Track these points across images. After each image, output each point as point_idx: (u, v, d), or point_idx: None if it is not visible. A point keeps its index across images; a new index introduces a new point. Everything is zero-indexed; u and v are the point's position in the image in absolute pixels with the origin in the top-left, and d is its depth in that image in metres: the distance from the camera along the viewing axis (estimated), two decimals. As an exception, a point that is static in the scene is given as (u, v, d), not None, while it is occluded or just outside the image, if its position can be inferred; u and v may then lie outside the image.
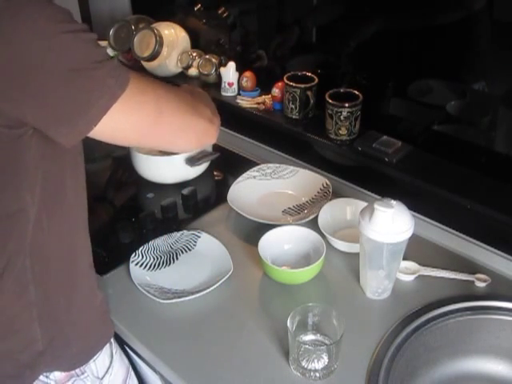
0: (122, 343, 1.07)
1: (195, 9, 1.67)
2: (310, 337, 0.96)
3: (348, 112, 1.25)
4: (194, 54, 1.63)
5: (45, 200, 0.81)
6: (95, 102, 0.70)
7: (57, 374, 0.92)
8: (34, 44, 0.66)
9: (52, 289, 0.88)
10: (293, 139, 1.41)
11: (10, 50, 0.65)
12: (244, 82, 1.52)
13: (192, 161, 1.34)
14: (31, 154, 0.75)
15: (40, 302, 0.87)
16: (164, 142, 0.83)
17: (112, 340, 1.02)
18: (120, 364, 1.04)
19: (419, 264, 1.12)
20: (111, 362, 1.00)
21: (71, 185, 0.85)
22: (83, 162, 0.87)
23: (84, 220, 0.93)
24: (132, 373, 1.07)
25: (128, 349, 1.09)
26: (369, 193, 1.30)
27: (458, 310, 1.02)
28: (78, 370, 0.95)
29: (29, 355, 0.88)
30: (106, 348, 0.99)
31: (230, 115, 1.54)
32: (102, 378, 0.98)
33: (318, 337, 0.96)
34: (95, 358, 0.97)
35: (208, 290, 1.06)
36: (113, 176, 1.55)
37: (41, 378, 0.91)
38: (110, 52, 1.75)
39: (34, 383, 0.90)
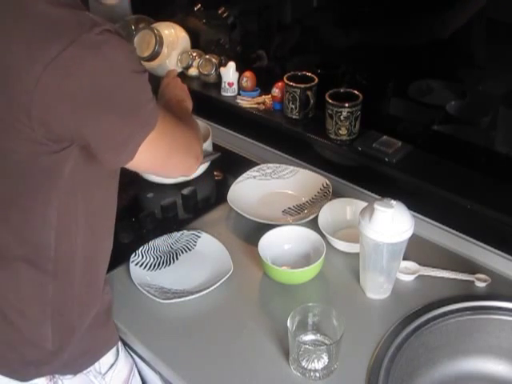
0: (122, 343, 1.07)
1: (195, 9, 1.67)
2: (310, 337, 0.96)
3: (348, 112, 1.25)
4: (194, 54, 1.63)
5: (72, 210, 0.85)
6: (134, 137, 0.78)
7: None
8: (108, 79, 0.73)
9: (69, 293, 0.90)
10: (293, 139, 1.41)
11: (86, 80, 0.71)
12: (244, 82, 1.52)
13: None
14: (68, 165, 0.80)
15: (56, 303, 0.89)
16: (160, 173, 0.96)
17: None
18: (125, 362, 1.04)
19: (419, 264, 1.12)
20: (116, 360, 1.01)
21: (101, 196, 0.90)
22: (118, 174, 0.92)
23: (110, 232, 0.96)
24: (136, 371, 1.08)
25: (128, 349, 1.09)
26: (369, 193, 1.30)
27: (458, 310, 1.02)
28: None
29: (37, 353, 0.90)
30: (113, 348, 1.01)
31: (230, 115, 1.55)
32: (105, 373, 0.99)
33: (318, 337, 0.96)
34: None
35: (208, 290, 1.06)
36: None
37: None
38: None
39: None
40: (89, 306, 0.94)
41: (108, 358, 0.99)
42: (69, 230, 0.86)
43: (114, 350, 1.01)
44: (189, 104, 1.21)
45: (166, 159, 0.88)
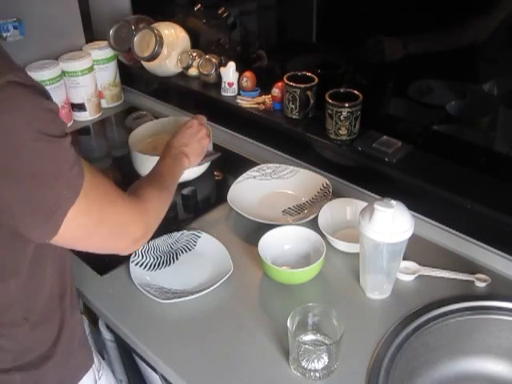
0: (122, 343, 1.07)
1: (195, 9, 1.67)
2: (310, 337, 0.96)
3: (348, 112, 1.25)
4: (194, 54, 1.63)
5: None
6: (54, 213, 0.70)
7: None
8: (6, 146, 0.65)
9: (23, 338, 0.86)
10: (293, 139, 1.42)
11: None
12: (244, 82, 1.52)
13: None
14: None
15: (14, 350, 0.85)
16: (83, 249, 0.84)
17: (96, 364, 1.00)
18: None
19: (419, 264, 1.12)
20: None
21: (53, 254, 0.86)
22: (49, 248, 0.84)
23: (67, 264, 0.92)
24: None
25: (128, 349, 1.09)
26: (369, 193, 1.30)
27: (458, 310, 1.02)
28: None
29: None
30: (89, 373, 0.97)
31: (230, 115, 1.55)
32: None
33: (318, 337, 0.96)
34: None
35: (208, 290, 1.06)
36: (113, 176, 1.55)
37: None
38: (110, 52, 1.76)
39: None
40: (48, 343, 0.89)
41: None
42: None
43: (90, 376, 0.97)
44: (191, 160, 1.13)
45: (81, 241, 0.79)
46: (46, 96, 0.68)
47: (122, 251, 0.87)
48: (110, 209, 0.80)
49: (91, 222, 0.77)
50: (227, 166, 1.48)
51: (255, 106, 1.49)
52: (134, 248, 0.88)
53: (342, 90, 1.30)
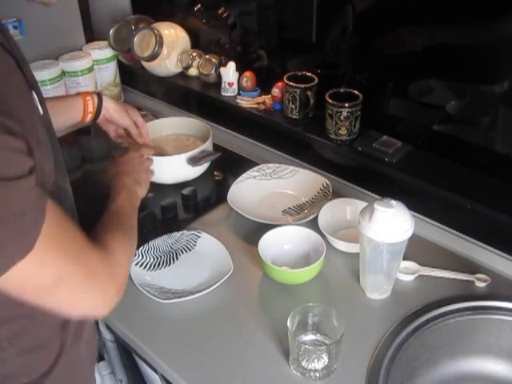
0: (122, 343, 1.07)
1: (195, 9, 1.67)
2: (310, 337, 0.96)
3: (348, 112, 1.25)
4: (194, 54, 1.63)
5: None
6: None
7: None
8: None
9: (15, 362, 0.80)
10: (293, 139, 1.42)
11: None
12: (244, 82, 1.52)
13: (194, 160, 1.34)
14: None
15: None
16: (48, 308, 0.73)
17: None
18: None
19: (419, 264, 1.12)
20: None
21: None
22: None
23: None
24: None
25: (128, 349, 1.09)
26: (369, 193, 1.30)
27: (458, 310, 1.02)
28: None
29: None
30: None
31: (230, 115, 1.55)
32: None
33: (318, 337, 0.96)
34: None
35: (208, 290, 1.06)
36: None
37: None
38: (110, 52, 1.76)
39: None
40: (40, 370, 0.81)
41: None
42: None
43: None
44: (143, 190, 1.08)
45: (42, 298, 0.68)
46: (8, 131, 0.58)
47: (94, 312, 0.77)
48: (72, 265, 0.68)
49: (47, 278, 0.66)
50: (227, 165, 1.48)
51: (255, 105, 1.49)
52: (109, 308, 0.75)
53: (342, 90, 1.30)
